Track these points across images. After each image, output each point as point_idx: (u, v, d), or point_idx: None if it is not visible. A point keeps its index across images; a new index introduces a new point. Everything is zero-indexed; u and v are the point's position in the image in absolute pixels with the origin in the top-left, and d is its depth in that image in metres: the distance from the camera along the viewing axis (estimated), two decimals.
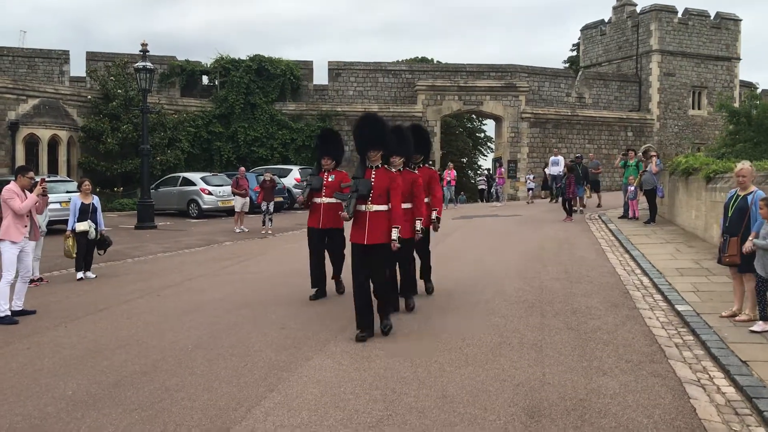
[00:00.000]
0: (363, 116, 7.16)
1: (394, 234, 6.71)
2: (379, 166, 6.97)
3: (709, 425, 4.74)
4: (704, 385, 5.61)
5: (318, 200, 8.70)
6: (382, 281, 6.98)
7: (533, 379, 5.64)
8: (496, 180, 28.44)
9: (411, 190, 7.75)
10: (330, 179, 8.62)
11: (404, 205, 7.39)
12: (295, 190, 25.00)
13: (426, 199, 8.28)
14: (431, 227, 8.71)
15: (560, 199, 21.88)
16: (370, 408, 5.03)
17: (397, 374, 5.79)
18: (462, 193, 43.76)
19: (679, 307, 8.03)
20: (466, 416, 4.87)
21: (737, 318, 7.35)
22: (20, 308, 8.36)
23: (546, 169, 28.41)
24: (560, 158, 26.48)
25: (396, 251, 6.92)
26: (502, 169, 30.61)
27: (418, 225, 7.74)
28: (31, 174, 8.74)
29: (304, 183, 9.21)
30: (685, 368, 5.99)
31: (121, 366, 6.15)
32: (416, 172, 8.23)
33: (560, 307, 8.23)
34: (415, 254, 8.65)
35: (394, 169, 7.25)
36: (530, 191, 28.98)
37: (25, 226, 8.41)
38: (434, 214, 8.52)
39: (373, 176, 6.90)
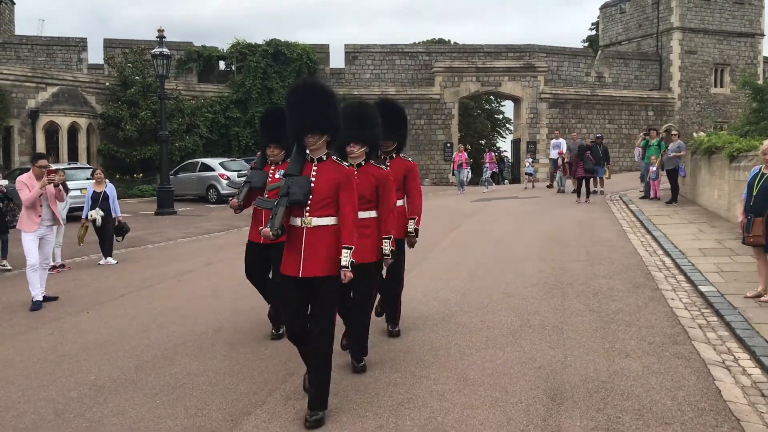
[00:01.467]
0: (298, 83, 4.86)
1: (345, 258, 4.49)
2: (324, 158, 4.69)
3: (734, 407, 4.67)
4: (729, 366, 5.53)
5: None
6: (326, 333, 4.61)
7: (555, 361, 5.59)
8: (488, 165, 27.65)
9: (376, 192, 5.46)
10: (278, 175, 6.32)
11: (366, 214, 5.38)
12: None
13: (400, 202, 6.12)
14: (406, 242, 6.24)
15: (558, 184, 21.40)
16: (391, 391, 5.02)
17: (417, 357, 5.77)
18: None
19: (703, 288, 7.92)
20: (487, 399, 4.84)
21: (762, 298, 7.22)
22: (43, 294, 8.43)
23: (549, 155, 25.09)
24: (562, 141, 23.46)
25: (349, 284, 4.65)
26: (493, 154, 30.06)
27: (387, 247, 5.42)
28: (43, 162, 8.58)
29: (242, 180, 6.60)
30: (709, 350, 5.91)
31: (143, 351, 6.20)
32: (385, 166, 5.77)
33: (581, 289, 8.16)
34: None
35: (349, 163, 5.03)
36: (529, 175, 27.09)
37: (39, 216, 8.32)
38: (411, 225, 6.14)
39: (314, 173, 4.63)
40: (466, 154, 26.61)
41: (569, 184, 21.99)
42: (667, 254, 10.23)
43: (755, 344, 5.87)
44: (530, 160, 28.53)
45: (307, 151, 4.70)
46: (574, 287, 8.27)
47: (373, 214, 5.50)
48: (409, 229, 6.17)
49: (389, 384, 5.17)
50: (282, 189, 4.61)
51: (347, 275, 4.49)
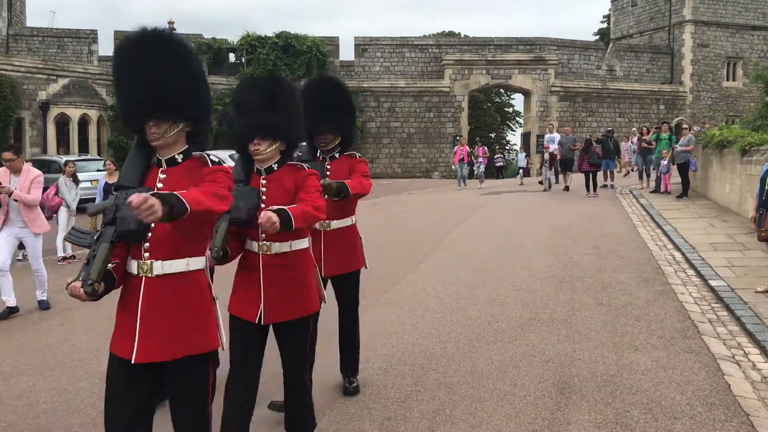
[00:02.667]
0: (131, 36, 2.83)
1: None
2: (180, 159, 2.93)
3: (743, 402, 4.64)
4: (739, 361, 5.50)
5: None
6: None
7: (563, 355, 5.58)
8: (481, 159, 27.26)
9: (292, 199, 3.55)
10: None
11: (285, 246, 3.59)
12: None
13: (349, 221, 4.63)
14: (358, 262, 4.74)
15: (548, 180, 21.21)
16: (399, 383, 5.02)
17: (426, 350, 5.77)
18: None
19: (713, 283, 7.88)
20: (495, 392, 4.84)
21: None
22: (44, 296, 7.79)
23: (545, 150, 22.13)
24: (556, 135, 21.18)
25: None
26: (485, 148, 29.87)
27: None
28: (6, 155, 7.49)
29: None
30: (719, 344, 5.88)
31: None
32: (324, 170, 4.34)
33: (590, 283, 8.13)
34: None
35: (254, 168, 3.58)
36: (522, 170, 26.19)
37: (5, 215, 7.48)
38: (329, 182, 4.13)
39: (161, 185, 2.91)
40: (467, 147, 26.05)
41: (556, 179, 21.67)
42: (678, 248, 10.17)
43: (765, 339, 5.84)
44: (524, 154, 28.25)
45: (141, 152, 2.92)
46: (583, 281, 8.24)
47: (302, 244, 3.64)
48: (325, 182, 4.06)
49: (397, 376, 5.17)
50: (108, 211, 2.77)
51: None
